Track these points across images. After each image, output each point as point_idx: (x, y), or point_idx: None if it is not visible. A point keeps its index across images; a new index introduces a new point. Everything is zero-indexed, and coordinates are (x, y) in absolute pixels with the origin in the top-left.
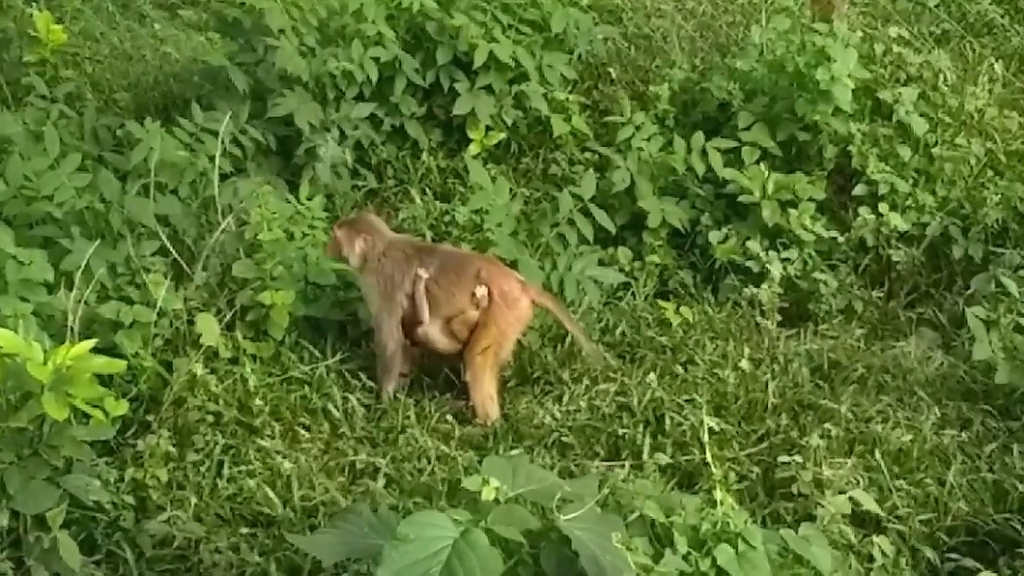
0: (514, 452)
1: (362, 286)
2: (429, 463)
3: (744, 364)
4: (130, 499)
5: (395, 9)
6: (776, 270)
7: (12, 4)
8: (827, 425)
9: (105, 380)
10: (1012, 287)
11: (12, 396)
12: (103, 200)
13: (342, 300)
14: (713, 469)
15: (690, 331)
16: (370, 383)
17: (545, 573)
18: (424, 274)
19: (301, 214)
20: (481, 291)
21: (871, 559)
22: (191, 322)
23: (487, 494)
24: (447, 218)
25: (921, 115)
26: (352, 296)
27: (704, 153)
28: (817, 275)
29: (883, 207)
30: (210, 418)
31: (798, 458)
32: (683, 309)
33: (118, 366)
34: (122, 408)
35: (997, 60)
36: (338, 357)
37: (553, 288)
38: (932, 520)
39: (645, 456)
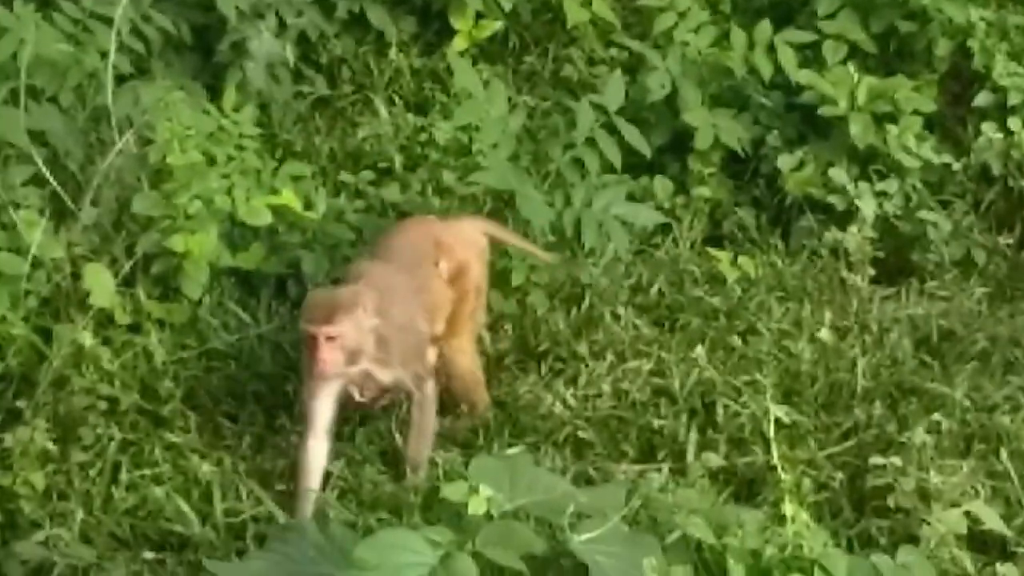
0: (513, 451)
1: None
2: (398, 467)
3: (824, 334)
4: None
5: None
6: (868, 208)
7: None
8: (936, 416)
9: None
10: None
11: None
12: None
13: (279, 246)
14: (781, 475)
15: (751, 289)
16: None
17: None
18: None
19: (225, 130)
20: (443, 266)
21: None
22: (76, 276)
23: (476, 507)
24: (423, 137)
25: None
26: (292, 241)
27: (772, 49)
28: (924, 215)
29: (1014, 123)
30: (103, 405)
31: (896, 460)
32: (742, 260)
33: None
34: None
35: None
36: (274, 324)
37: (567, 231)
38: None
39: (690, 457)
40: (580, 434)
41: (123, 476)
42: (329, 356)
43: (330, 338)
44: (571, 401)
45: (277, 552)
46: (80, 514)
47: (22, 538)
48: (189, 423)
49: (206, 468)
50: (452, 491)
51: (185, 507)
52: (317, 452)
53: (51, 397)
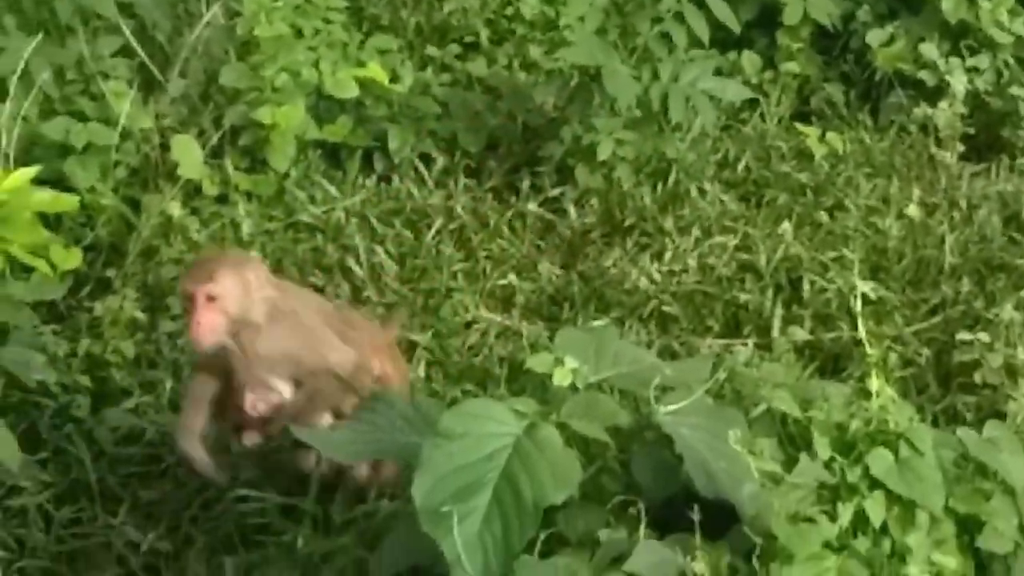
0: (598, 323)
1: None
2: (483, 338)
3: (912, 210)
4: (85, 380)
5: None
6: (959, 84)
7: None
8: None
9: (51, 222)
10: None
11: None
12: None
13: (365, 119)
14: (868, 349)
15: (839, 165)
16: (406, 232)
17: (637, 483)
18: None
19: (312, 3)
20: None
21: None
22: (165, 147)
23: (561, 378)
24: (509, 11)
25: None
26: (378, 114)
27: None
28: (1015, 91)
29: None
30: None
31: (983, 336)
32: (830, 136)
33: (68, 203)
34: (74, 259)
35: None
36: (360, 196)
37: (653, 106)
38: None
39: (775, 332)
40: (665, 309)
41: None
42: (207, 318)
43: (210, 298)
44: (656, 276)
45: (364, 421)
46: (169, 383)
47: (112, 405)
48: None
49: None
50: (537, 362)
51: None
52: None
53: (140, 267)
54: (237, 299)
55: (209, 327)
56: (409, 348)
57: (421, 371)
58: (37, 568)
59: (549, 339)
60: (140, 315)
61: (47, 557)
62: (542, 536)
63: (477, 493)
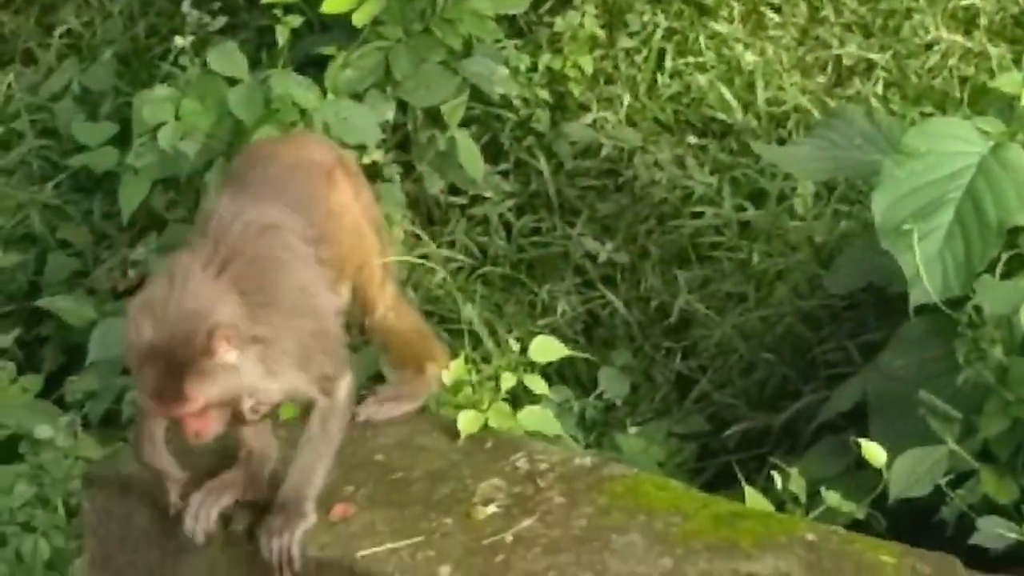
0: None
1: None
2: (944, 59)
3: None
4: (545, 94)
5: None
6: None
7: None
8: None
9: None
10: None
11: None
12: None
13: None
14: None
15: None
16: None
17: None
18: None
19: None
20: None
21: None
22: None
23: None
24: None
25: None
26: None
27: None
28: None
29: None
30: None
31: None
32: None
33: None
34: None
35: None
36: None
37: None
38: None
39: None
40: None
41: (668, 63)
42: (202, 427)
43: (193, 414)
44: None
45: (822, 138)
46: (626, 98)
47: (571, 120)
48: (733, 13)
49: (749, 57)
50: (1005, 82)
51: (728, 95)
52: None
53: None
54: (221, 392)
55: (208, 430)
56: (867, 68)
57: (879, 89)
58: (498, 275)
59: (1014, 62)
60: (599, 31)
61: (507, 264)
62: (1004, 257)
63: (939, 211)
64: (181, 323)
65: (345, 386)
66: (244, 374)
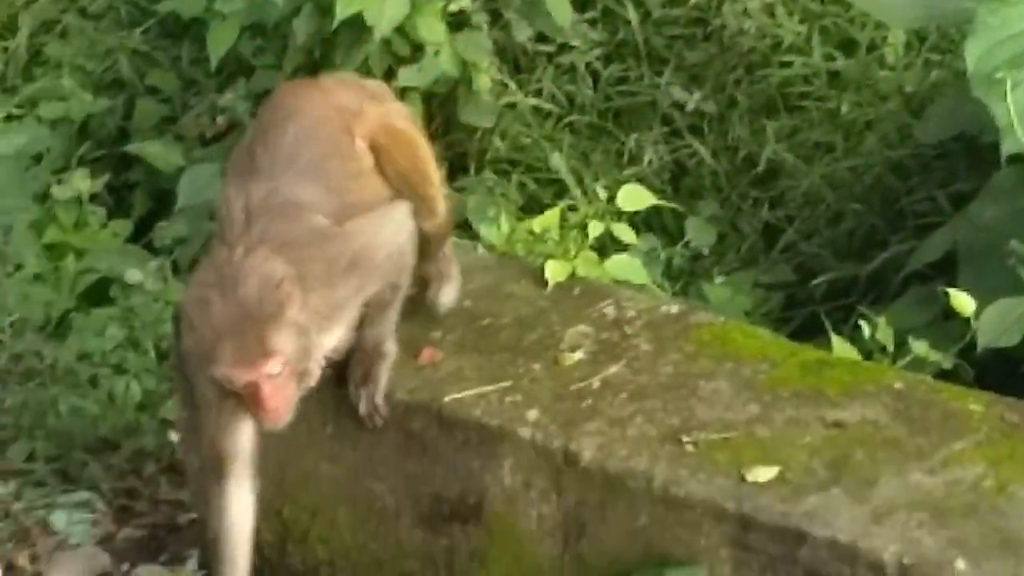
0: None
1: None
2: None
3: None
4: None
5: None
6: None
7: None
8: None
9: None
10: None
11: None
12: None
13: None
14: None
15: None
16: None
17: None
18: None
19: None
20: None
21: None
22: None
23: None
24: None
25: None
26: None
27: None
28: None
29: None
30: None
31: None
32: None
33: None
34: None
35: None
36: None
37: None
38: None
39: None
40: None
41: None
42: (281, 400)
43: (272, 375)
44: None
45: None
46: None
47: None
48: None
49: None
50: None
51: None
52: (242, 506)
53: None
54: (296, 347)
55: (285, 405)
56: None
57: None
58: (585, 123)
59: None
60: None
61: (594, 113)
62: None
63: None
64: (249, 288)
65: (406, 219)
66: (310, 326)
